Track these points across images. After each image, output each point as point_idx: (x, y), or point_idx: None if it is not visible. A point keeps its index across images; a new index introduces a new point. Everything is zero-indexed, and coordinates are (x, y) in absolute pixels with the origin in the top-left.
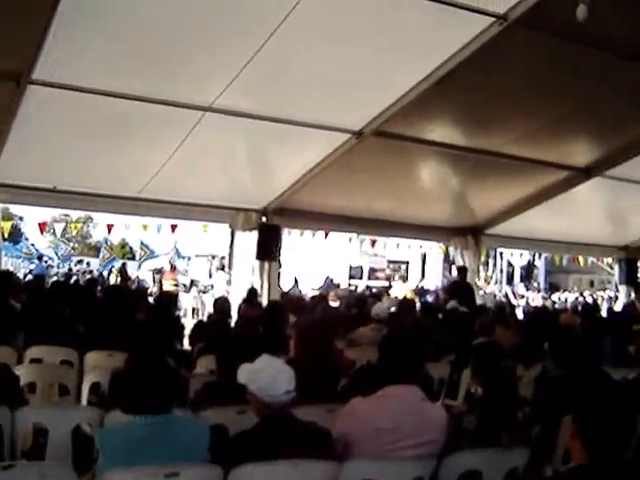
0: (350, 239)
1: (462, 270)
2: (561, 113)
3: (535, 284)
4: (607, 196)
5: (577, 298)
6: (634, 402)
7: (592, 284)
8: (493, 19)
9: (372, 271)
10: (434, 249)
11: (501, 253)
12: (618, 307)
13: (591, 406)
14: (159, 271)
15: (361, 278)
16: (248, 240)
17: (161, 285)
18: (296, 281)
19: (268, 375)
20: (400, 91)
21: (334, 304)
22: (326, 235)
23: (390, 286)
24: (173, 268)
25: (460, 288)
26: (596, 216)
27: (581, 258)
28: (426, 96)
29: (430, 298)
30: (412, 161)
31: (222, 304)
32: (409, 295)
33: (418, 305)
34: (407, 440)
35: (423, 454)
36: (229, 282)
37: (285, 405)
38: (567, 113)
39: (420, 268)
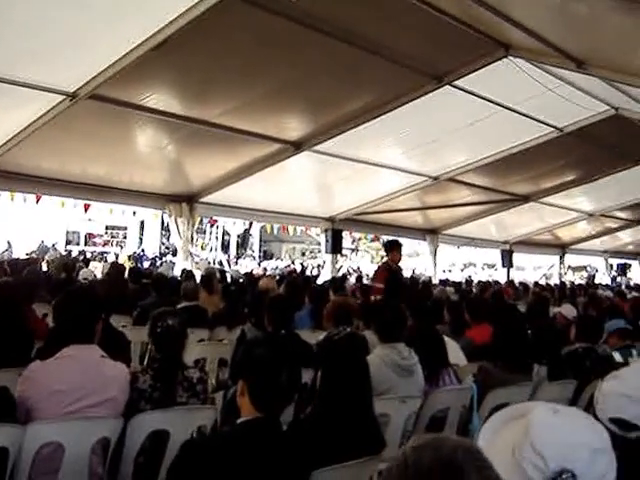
0: (63, 203)
1: (397, 245)
2: (275, 88)
3: (250, 252)
4: (315, 169)
5: (288, 265)
6: (298, 361)
7: (304, 253)
8: None
9: (89, 236)
10: (152, 216)
11: (216, 221)
12: (324, 274)
13: (254, 364)
14: None
15: (78, 244)
16: None
17: None
18: (9, 245)
19: None
20: (116, 54)
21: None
22: (37, 200)
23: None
24: None
25: (395, 275)
26: (305, 188)
27: (290, 227)
28: (143, 62)
29: (147, 264)
30: (129, 127)
31: None
32: (125, 261)
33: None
34: (88, 399)
35: (107, 413)
36: None
37: None
38: (280, 88)
39: (138, 234)
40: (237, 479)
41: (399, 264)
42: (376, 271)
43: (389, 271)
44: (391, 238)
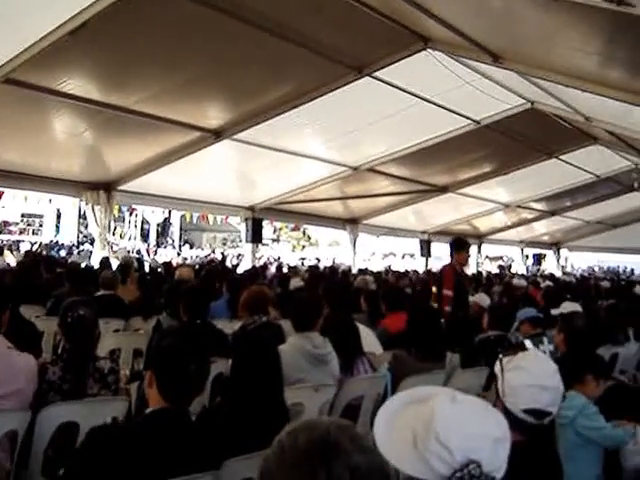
0: None
1: (466, 245)
2: (195, 76)
3: (170, 241)
4: (236, 158)
5: (209, 255)
6: (208, 351)
7: (225, 242)
8: None
9: (4, 224)
10: (70, 204)
11: (135, 209)
12: (245, 264)
13: (161, 355)
14: None
15: None
16: None
17: None
18: None
19: None
20: (30, 39)
21: None
22: None
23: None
24: None
25: (461, 280)
26: (225, 176)
27: (210, 216)
28: (60, 46)
29: (64, 253)
30: (45, 112)
31: None
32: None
33: None
34: None
35: (14, 405)
36: None
37: None
38: (201, 76)
39: (55, 222)
40: (142, 469)
41: (464, 267)
42: (442, 275)
43: (456, 275)
44: (459, 236)
